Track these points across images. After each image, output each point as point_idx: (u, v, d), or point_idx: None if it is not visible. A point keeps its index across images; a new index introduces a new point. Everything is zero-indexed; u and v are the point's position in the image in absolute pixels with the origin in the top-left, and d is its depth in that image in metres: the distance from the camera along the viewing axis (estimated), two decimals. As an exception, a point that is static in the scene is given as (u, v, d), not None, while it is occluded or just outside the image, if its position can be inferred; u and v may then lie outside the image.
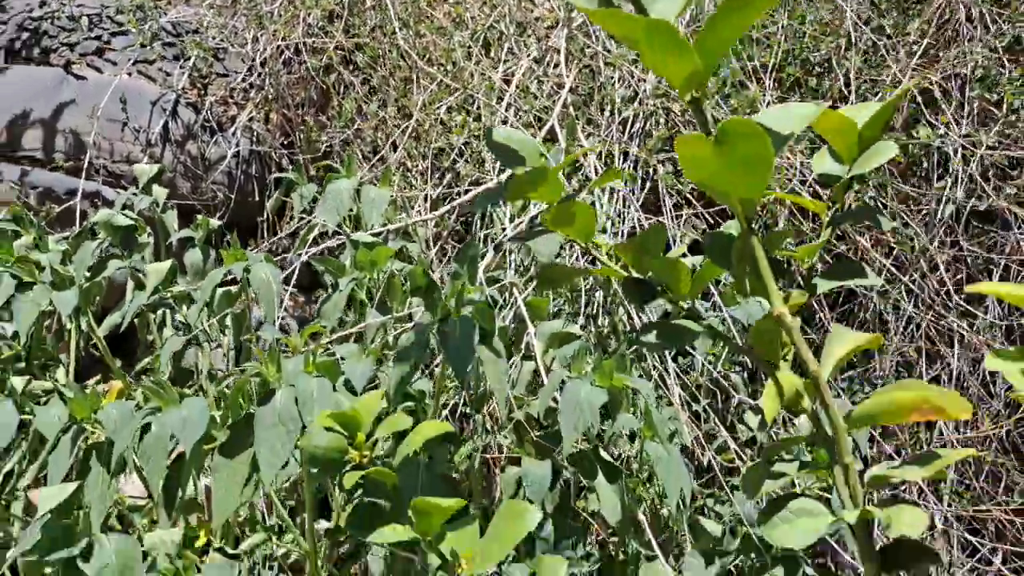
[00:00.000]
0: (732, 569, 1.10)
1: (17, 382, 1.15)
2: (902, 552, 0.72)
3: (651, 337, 0.78)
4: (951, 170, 1.42)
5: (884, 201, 1.59)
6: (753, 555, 1.07)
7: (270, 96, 2.29)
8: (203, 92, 2.36)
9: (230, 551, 0.96)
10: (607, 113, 1.63)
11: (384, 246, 1.21)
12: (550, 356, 1.23)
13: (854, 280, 0.85)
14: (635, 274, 0.80)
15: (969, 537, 1.52)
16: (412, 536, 0.75)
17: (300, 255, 1.39)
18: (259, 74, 2.30)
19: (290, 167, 2.12)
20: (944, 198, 1.42)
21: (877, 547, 0.65)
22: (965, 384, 1.73)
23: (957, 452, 0.65)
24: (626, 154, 1.60)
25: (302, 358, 1.00)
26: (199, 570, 0.91)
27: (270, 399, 0.93)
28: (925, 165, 1.59)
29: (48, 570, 1.09)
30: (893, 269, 1.64)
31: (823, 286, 0.82)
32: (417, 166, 1.68)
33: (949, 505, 1.50)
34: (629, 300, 0.83)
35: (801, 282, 0.77)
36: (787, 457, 0.79)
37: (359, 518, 0.77)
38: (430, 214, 1.41)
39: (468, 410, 1.43)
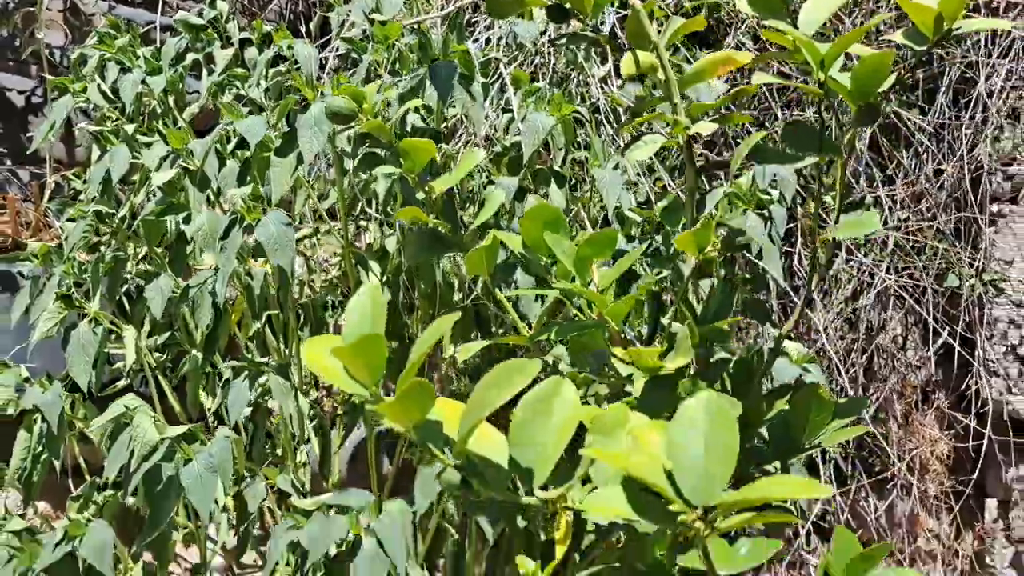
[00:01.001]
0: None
1: (128, 128, 1.56)
2: (711, 165, 1.09)
3: (563, 40, 1.14)
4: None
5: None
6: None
7: (313, -60, 2.62)
8: (255, -61, 2.70)
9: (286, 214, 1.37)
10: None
11: (395, 23, 1.57)
12: (525, 108, 1.59)
13: (710, -3, 1.18)
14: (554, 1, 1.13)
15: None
16: (400, 171, 1.13)
17: (336, 42, 1.76)
18: (302, -80, 2.62)
19: (330, -2, 2.47)
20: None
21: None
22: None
23: (741, 115, 1.00)
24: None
25: (330, 88, 1.38)
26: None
27: (308, 109, 1.32)
28: None
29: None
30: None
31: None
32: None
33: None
34: (551, 20, 1.15)
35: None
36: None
37: (365, 161, 1.15)
38: (438, 14, 1.75)
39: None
